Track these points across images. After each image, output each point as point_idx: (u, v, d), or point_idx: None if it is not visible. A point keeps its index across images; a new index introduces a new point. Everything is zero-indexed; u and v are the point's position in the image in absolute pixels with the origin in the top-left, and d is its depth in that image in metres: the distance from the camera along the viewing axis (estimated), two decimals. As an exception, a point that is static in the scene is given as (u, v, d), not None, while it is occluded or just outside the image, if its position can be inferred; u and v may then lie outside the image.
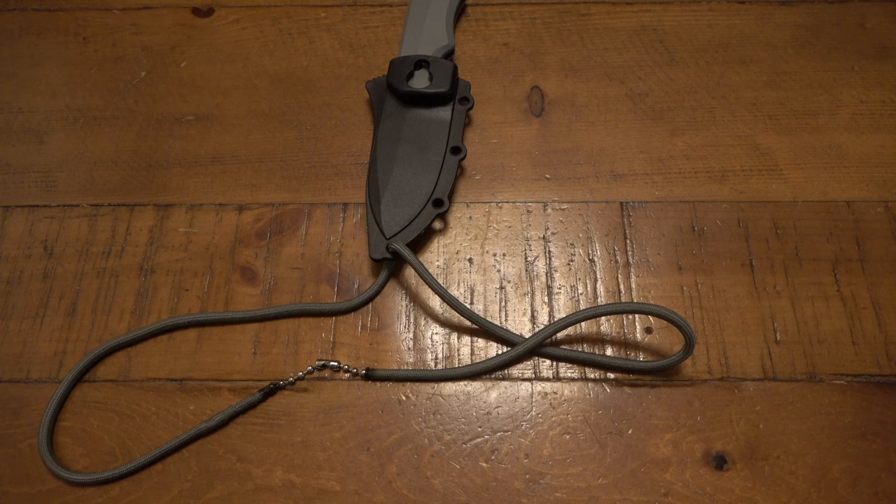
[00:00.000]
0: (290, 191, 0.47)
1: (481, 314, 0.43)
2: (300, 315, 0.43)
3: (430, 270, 0.44)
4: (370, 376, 0.40)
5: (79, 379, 0.41)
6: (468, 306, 0.43)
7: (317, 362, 0.40)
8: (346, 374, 0.41)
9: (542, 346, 0.41)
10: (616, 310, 0.39)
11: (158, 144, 0.49)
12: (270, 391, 0.40)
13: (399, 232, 0.43)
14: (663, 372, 0.41)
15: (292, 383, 0.40)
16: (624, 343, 0.42)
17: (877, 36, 0.53)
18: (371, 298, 0.43)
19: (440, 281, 0.44)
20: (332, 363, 0.40)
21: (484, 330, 0.42)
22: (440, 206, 0.44)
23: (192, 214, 0.46)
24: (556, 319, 0.42)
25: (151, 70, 0.53)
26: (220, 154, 0.49)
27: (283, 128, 0.50)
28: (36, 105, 0.51)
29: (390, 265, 0.43)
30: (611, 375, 0.41)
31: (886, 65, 0.51)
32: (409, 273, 0.44)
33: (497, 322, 0.42)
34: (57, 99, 0.52)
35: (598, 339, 0.42)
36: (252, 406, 0.40)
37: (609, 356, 0.40)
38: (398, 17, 0.55)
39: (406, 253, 0.41)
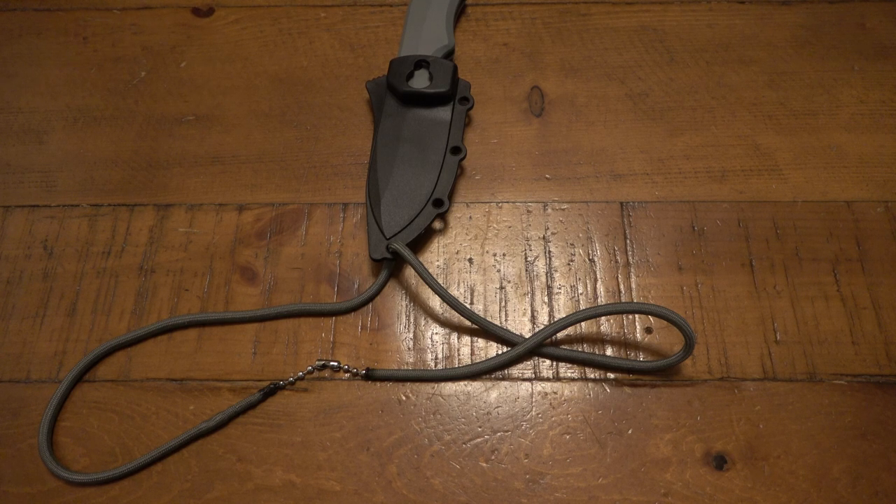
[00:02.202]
0: (290, 191, 0.47)
1: (481, 314, 0.43)
2: (300, 315, 0.43)
3: (430, 270, 0.44)
4: (370, 376, 0.40)
5: (79, 379, 0.41)
6: (468, 306, 0.43)
7: (317, 362, 0.40)
8: (346, 374, 0.41)
9: (542, 346, 0.41)
10: (616, 310, 0.39)
11: (158, 144, 0.49)
12: (270, 391, 0.40)
13: (399, 232, 0.43)
14: (663, 372, 0.41)
15: (292, 383, 0.40)
16: (624, 343, 0.42)
17: (877, 36, 0.53)
18: (371, 298, 0.43)
19: (440, 281, 0.44)
20: (332, 363, 0.40)
21: (484, 330, 0.42)
22: (440, 206, 0.44)
23: (192, 214, 0.46)
24: (556, 319, 0.42)
25: (151, 70, 0.53)
26: (220, 154, 0.49)
27: (283, 128, 0.50)
28: (36, 105, 0.51)
29: (390, 265, 0.43)
30: (611, 375, 0.41)
31: (886, 65, 0.51)
32: (409, 273, 0.44)
33: (497, 322, 0.42)
34: (57, 99, 0.52)
35: (598, 339, 0.42)
36: (252, 406, 0.40)
37: (609, 356, 0.40)
38: (398, 17, 0.55)
39: (406, 253, 0.41)
